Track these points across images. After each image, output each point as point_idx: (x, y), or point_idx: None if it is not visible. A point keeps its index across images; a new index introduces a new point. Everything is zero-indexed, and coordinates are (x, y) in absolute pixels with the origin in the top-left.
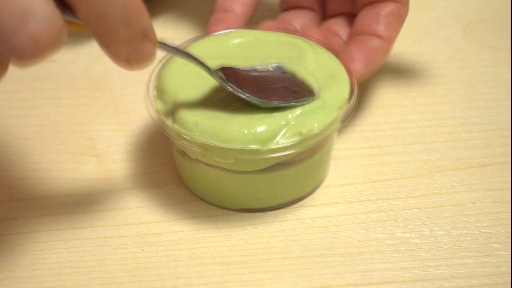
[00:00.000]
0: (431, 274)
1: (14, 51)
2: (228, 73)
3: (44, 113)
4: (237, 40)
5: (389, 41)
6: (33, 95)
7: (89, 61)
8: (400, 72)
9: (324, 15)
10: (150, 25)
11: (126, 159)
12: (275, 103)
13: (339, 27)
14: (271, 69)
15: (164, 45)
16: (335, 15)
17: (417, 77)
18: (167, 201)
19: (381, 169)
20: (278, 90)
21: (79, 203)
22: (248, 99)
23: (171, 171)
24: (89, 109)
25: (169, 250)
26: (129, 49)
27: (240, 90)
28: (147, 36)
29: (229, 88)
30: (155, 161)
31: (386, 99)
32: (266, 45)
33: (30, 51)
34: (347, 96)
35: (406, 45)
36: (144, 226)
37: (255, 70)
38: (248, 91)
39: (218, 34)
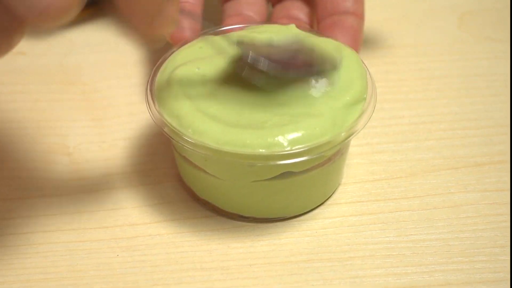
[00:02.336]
0: (425, 281)
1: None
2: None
3: (12, 108)
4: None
5: (362, 16)
6: (0, 89)
7: (61, 53)
8: (392, 65)
9: None
10: None
11: (100, 158)
12: (296, 73)
13: (296, 10)
14: (289, 42)
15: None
16: None
17: (410, 70)
18: (143, 202)
19: (371, 168)
20: (298, 62)
21: (49, 205)
22: (271, 71)
23: (149, 170)
24: (60, 105)
25: (145, 255)
26: (153, 12)
27: (262, 63)
28: (168, 2)
29: (251, 59)
30: (131, 160)
31: (377, 93)
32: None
33: (48, 11)
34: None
35: (398, 36)
36: (119, 229)
37: (272, 44)
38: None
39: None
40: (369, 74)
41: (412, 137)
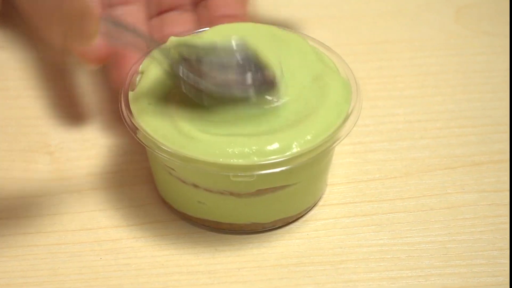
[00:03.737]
0: (421, 285)
1: None
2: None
3: None
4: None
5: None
6: None
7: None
8: (386, 61)
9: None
10: (87, 2)
11: (83, 157)
12: (234, 92)
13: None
14: (234, 47)
15: (108, 21)
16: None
17: (405, 66)
18: (127, 203)
19: (365, 168)
20: (238, 76)
21: (30, 206)
22: (200, 85)
23: (132, 170)
24: (41, 102)
25: (129, 258)
26: (66, 29)
27: (192, 77)
28: (86, 13)
29: (182, 76)
30: (115, 159)
31: (371, 90)
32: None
33: None
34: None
35: (392, 31)
36: (102, 232)
37: (215, 48)
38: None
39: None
40: (351, 71)
41: (407, 135)
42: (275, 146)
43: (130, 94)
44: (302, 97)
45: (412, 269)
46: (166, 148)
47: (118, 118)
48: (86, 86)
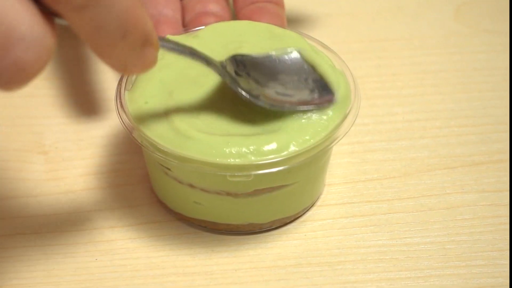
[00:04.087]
0: (420, 286)
1: None
2: (237, 64)
3: None
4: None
5: (283, 5)
6: None
7: None
8: (385, 59)
9: None
10: (150, 29)
11: (78, 157)
12: (287, 107)
13: (212, 3)
14: (288, 58)
15: (166, 44)
16: None
17: (404, 64)
18: (123, 204)
19: (363, 168)
20: (294, 87)
21: (24, 206)
22: (258, 102)
23: (128, 170)
24: (35, 100)
25: (125, 258)
26: (128, 58)
27: (249, 94)
28: (148, 41)
29: (240, 92)
30: (111, 159)
31: (369, 89)
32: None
33: (15, 79)
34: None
35: (391, 29)
36: (97, 232)
37: (270, 58)
38: (258, 88)
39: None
40: (350, 72)
41: (406, 135)
42: (272, 145)
43: (127, 93)
44: None
45: (411, 270)
46: (162, 148)
47: (114, 117)
48: (82, 86)
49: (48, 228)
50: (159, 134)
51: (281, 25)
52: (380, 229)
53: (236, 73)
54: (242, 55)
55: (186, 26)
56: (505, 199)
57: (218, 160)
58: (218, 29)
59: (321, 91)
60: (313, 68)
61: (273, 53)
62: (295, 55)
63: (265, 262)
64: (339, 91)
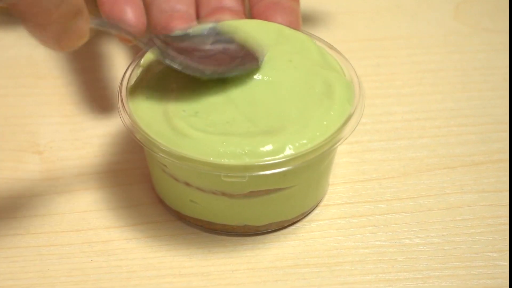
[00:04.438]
0: (419, 287)
1: None
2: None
3: None
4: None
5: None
6: None
7: (31, 45)
8: (384, 58)
9: None
10: (82, 1)
11: (73, 157)
12: (214, 71)
13: None
14: (206, 33)
15: (97, 21)
16: None
17: (403, 63)
18: (119, 204)
19: (362, 168)
20: (216, 57)
21: (19, 207)
22: (190, 71)
23: (125, 170)
24: (30, 100)
25: (121, 259)
26: (61, 28)
27: (179, 62)
28: (80, 12)
29: (168, 61)
30: (107, 158)
31: (368, 88)
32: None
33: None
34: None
35: (390, 27)
36: (93, 233)
37: (187, 36)
38: (183, 60)
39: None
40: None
41: (405, 134)
42: (268, 147)
43: (129, 87)
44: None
45: (409, 271)
46: (159, 145)
47: (110, 116)
48: (77, 84)
49: (43, 228)
50: (156, 130)
51: (296, 21)
52: (379, 230)
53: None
54: (164, 35)
55: (201, 21)
56: (505, 200)
57: (212, 159)
58: (227, 27)
59: (245, 56)
60: (232, 38)
61: (190, 30)
62: (211, 28)
63: (262, 263)
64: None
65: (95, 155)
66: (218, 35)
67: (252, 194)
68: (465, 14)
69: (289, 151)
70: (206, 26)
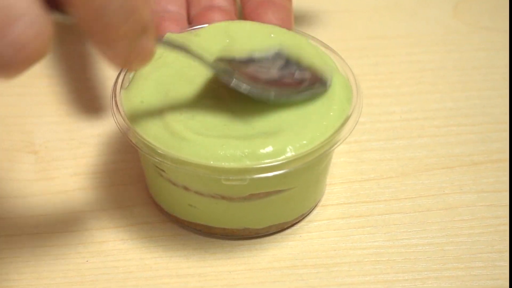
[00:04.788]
0: None
1: None
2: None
3: None
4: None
5: None
6: None
7: None
8: (382, 57)
9: None
10: (150, 16)
11: (68, 157)
12: (284, 96)
13: None
14: (271, 57)
15: (164, 40)
16: None
17: (402, 62)
18: (114, 204)
19: (360, 167)
20: (283, 81)
21: (13, 207)
22: (256, 95)
23: (120, 170)
24: (25, 99)
25: (117, 260)
26: (129, 45)
27: (245, 85)
28: (148, 29)
29: (234, 84)
30: (103, 158)
31: (366, 87)
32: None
33: (16, 59)
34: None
35: (389, 26)
36: (89, 233)
37: (252, 60)
38: (251, 85)
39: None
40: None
41: (403, 134)
42: (268, 149)
43: (123, 91)
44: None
45: (408, 272)
46: (156, 149)
47: (106, 116)
48: (73, 84)
49: (38, 229)
50: (153, 134)
51: (288, 19)
52: (377, 230)
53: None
54: (228, 58)
55: (192, 21)
56: (505, 200)
57: (212, 163)
58: (219, 29)
59: (312, 80)
60: (298, 62)
61: (256, 53)
62: (277, 53)
63: (260, 264)
64: (331, 75)
65: (91, 155)
66: (283, 59)
67: (252, 197)
68: (464, 12)
69: (289, 152)
70: (271, 49)
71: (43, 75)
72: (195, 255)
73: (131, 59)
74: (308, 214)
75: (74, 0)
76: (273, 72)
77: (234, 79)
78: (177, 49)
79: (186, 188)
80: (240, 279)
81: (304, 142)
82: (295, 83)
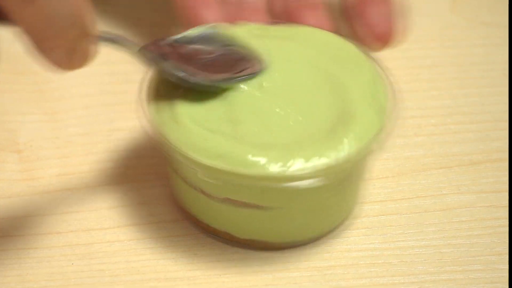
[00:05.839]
0: None
1: None
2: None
3: None
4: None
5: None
6: None
7: (9, 39)
8: (377, 53)
9: None
10: (92, 19)
11: (54, 156)
12: (221, 79)
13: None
14: (202, 35)
15: (102, 38)
16: None
17: (398, 58)
18: (101, 205)
19: None
20: (217, 62)
21: None
22: (190, 80)
23: (107, 170)
24: (9, 96)
25: (103, 263)
26: (70, 50)
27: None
28: (90, 32)
29: (166, 69)
30: (89, 158)
31: None
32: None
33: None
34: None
35: None
36: (74, 235)
37: (184, 39)
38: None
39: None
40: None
41: (399, 132)
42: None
43: (153, 101)
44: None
45: (404, 275)
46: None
47: (91, 114)
48: (58, 81)
49: (22, 231)
50: (192, 144)
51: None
52: (373, 232)
53: (162, 56)
54: (163, 39)
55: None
56: (504, 200)
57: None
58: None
59: (247, 61)
60: (231, 41)
61: (190, 32)
62: (208, 31)
63: (251, 267)
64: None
65: (77, 155)
66: (218, 38)
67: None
68: (462, 6)
69: (326, 161)
70: (204, 29)
71: (27, 71)
72: (184, 257)
73: (71, 61)
74: (329, 233)
75: (17, 12)
76: (209, 51)
77: (163, 66)
78: (111, 42)
79: (228, 200)
80: (230, 283)
81: (343, 152)
82: (231, 62)
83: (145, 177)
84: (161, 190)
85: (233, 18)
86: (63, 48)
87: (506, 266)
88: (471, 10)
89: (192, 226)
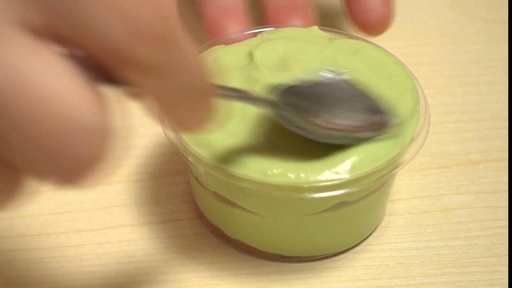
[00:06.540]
0: None
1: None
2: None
3: None
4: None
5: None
6: None
7: None
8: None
9: None
10: (213, 86)
11: None
12: (344, 137)
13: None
14: (339, 82)
15: (229, 96)
16: None
17: (395, 55)
18: (91, 206)
19: None
20: (350, 115)
21: None
22: (311, 136)
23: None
24: None
25: (94, 265)
26: (199, 112)
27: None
28: (211, 97)
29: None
30: None
31: None
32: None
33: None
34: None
35: None
36: (63, 236)
37: (318, 85)
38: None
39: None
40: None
41: None
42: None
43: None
44: None
45: (401, 277)
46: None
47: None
48: None
49: (9, 232)
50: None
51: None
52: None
53: (283, 103)
54: (288, 85)
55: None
56: (504, 201)
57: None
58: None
59: (377, 116)
60: (366, 92)
61: (321, 79)
62: (345, 79)
63: (244, 269)
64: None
65: None
66: (352, 86)
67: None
68: (461, 3)
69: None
70: (337, 74)
71: None
72: (176, 259)
73: (193, 125)
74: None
75: (146, 82)
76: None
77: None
78: (234, 97)
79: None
80: (223, 285)
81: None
82: (360, 119)
83: (136, 177)
84: (152, 191)
85: (215, 24)
86: (191, 110)
87: (506, 268)
88: (470, 7)
89: (185, 227)
